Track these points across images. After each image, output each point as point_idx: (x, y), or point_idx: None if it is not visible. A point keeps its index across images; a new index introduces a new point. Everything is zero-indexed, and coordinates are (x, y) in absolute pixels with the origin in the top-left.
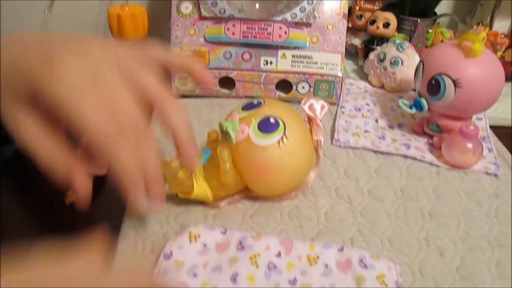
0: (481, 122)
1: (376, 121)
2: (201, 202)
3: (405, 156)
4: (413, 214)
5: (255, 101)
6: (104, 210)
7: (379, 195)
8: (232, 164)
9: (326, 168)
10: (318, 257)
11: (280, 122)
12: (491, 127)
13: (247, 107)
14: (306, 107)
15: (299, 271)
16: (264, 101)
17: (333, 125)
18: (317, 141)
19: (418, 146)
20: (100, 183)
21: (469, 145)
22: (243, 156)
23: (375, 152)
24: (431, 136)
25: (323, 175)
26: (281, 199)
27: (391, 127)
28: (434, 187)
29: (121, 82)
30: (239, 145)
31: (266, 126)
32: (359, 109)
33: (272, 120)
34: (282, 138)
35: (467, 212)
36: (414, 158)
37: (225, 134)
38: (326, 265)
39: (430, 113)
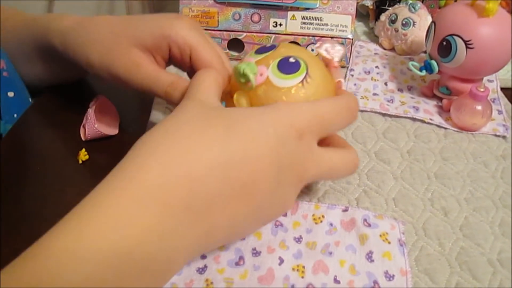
0: (492, 84)
1: (386, 84)
2: None
3: (414, 119)
4: (419, 176)
5: (268, 44)
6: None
7: (386, 158)
8: None
9: None
10: (323, 216)
11: (301, 61)
12: (503, 89)
13: (261, 50)
14: (322, 50)
15: (305, 229)
16: (278, 44)
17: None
18: (338, 82)
19: (427, 108)
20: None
21: (478, 107)
22: (264, 101)
23: (383, 115)
24: (440, 99)
25: None
26: None
27: (400, 90)
28: (441, 149)
29: None
30: (258, 89)
31: (287, 66)
32: (369, 72)
33: (292, 59)
34: (305, 77)
35: (473, 174)
36: (422, 121)
37: (241, 77)
38: (331, 224)
39: (441, 75)
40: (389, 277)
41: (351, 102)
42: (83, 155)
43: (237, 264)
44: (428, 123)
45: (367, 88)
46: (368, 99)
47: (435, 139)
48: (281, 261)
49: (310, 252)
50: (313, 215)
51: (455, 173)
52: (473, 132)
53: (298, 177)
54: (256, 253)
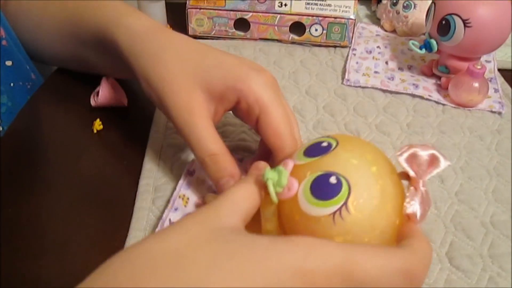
0: (490, 65)
1: (386, 63)
2: None
3: (413, 95)
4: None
5: (325, 143)
6: (128, 136)
7: (386, 130)
8: (279, 223)
9: (336, 106)
10: None
11: (344, 185)
12: (502, 70)
13: (312, 151)
14: (402, 159)
15: None
16: (338, 142)
17: (344, 66)
18: (408, 215)
19: (426, 86)
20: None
21: (475, 84)
22: (288, 221)
23: (384, 91)
24: (439, 78)
25: (333, 112)
26: None
27: (400, 68)
28: (439, 123)
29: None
30: (285, 205)
31: (322, 188)
32: (370, 52)
33: (333, 179)
34: (340, 209)
35: (469, 146)
36: (421, 97)
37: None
38: None
39: (439, 54)
40: None
41: (414, 263)
42: (97, 125)
43: None
44: (427, 99)
45: (369, 66)
46: (369, 76)
47: (434, 114)
48: None
49: None
50: None
51: (451, 145)
52: (470, 108)
53: None
54: None
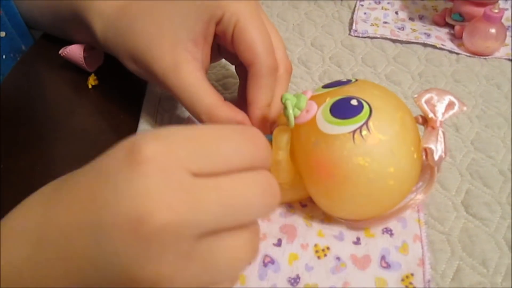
0: (507, 12)
1: (396, 13)
2: None
3: (425, 45)
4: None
5: (344, 78)
6: (124, 90)
7: (396, 79)
8: (291, 157)
9: (343, 57)
10: (328, 248)
11: (365, 106)
12: None
13: (331, 84)
14: (422, 101)
15: (303, 266)
16: (356, 80)
17: (351, 17)
18: (425, 149)
19: (439, 35)
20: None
21: (492, 30)
22: (304, 146)
23: (394, 41)
24: (452, 27)
25: (340, 63)
26: (357, 226)
27: (411, 18)
28: (453, 72)
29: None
30: (301, 130)
31: (343, 108)
32: (379, 2)
33: (354, 101)
34: (361, 128)
35: (486, 94)
36: (434, 46)
37: (284, 109)
38: (338, 258)
39: (453, 2)
40: None
41: (251, 129)
42: (92, 80)
43: None
44: (440, 48)
45: (377, 16)
46: (378, 26)
47: (447, 63)
48: None
49: None
50: (315, 245)
51: (467, 94)
52: (486, 57)
53: None
54: None
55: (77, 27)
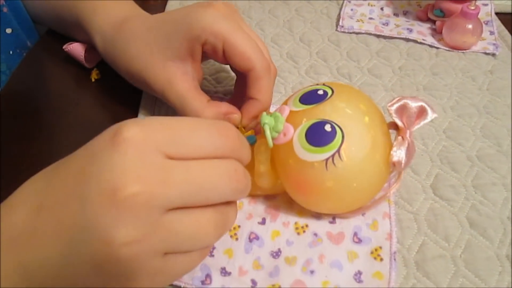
0: (487, 8)
1: (382, 9)
2: None
3: (407, 39)
4: (408, 88)
5: (321, 91)
6: (125, 84)
7: (378, 73)
8: (272, 167)
9: (329, 51)
10: (306, 226)
11: (338, 133)
12: (499, 13)
13: (308, 98)
14: (393, 109)
15: (285, 241)
16: (333, 91)
17: (339, 14)
18: (393, 163)
19: (421, 30)
20: None
21: (469, 26)
22: (282, 164)
23: (378, 36)
24: (434, 22)
25: (326, 57)
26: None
27: (396, 14)
28: (432, 65)
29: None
30: (280, 149)
31: (317, 136)
32: None
33: (327, 127)
34: (333, 156)
35: (461, 86)
36: (415, 41)
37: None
38: (315, 234)
39: None
40: None
41: (225, 124)
42: (95, 74)
43: (203, 283)
44: (420, 43)
45: (364, 12)
46: (363, 22)
47: (427, 57)
48: (254, 283)
49: (289, 269)
50: (295, 223)
51: (443, 86)
52: (464, 51)
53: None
54: (225, 273)
55: (79, 31)
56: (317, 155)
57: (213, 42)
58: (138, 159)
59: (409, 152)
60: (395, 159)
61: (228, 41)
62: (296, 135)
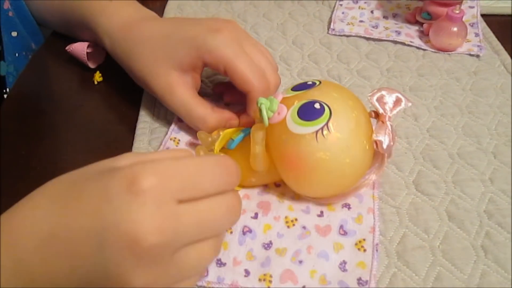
0: (473, 10)
1: (372, 12)
2: None
3: (395, 42)
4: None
5: (310, 81)
6: (126, 86)
7: (366, 75)
8: (266, 150)
9: (321, 54)
10: (296, 220)
11: (326, 109)
12: (485, 15)
13: (299, 87)
14: (374, 99)
15: (275, 234)
16: (320, 82)
17: (331, 17)
18: (376, 142)
19: (409, 33)
20: None
21: (454, 29)
22: (276, 142)
23: (368, 39)
24: (422, 25)
25: (317, 60)
26: (322, 202)
27: (385, 17)
28: (418, 67)
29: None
30: (274, 128)
31: (308, 111)
32: (357, 2)
33: (317, 105)
34: (322, 128)
35: (445, 87)
36: (403, 43)
37: (259, 111)
38: (304, 227)
39: (423, 1)
40: (363, 283)
41: (226, 160)
42: (98, 77)
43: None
44: (408, 45)
45: (354, 16)
46: (353, 25)
47: (414, 58)
48: (247, 273)
49: (279, 259)
50: (285, 217)
51: (428, 86)
52: (450, 52)
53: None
54: (220, 264)
55: (86, 31)
56: (308, 128)
57: (216, 64)
58: (156, 209)
59: (390, 135)
60: (377, 138)
61: (228, 65)
62: (289, 114)
